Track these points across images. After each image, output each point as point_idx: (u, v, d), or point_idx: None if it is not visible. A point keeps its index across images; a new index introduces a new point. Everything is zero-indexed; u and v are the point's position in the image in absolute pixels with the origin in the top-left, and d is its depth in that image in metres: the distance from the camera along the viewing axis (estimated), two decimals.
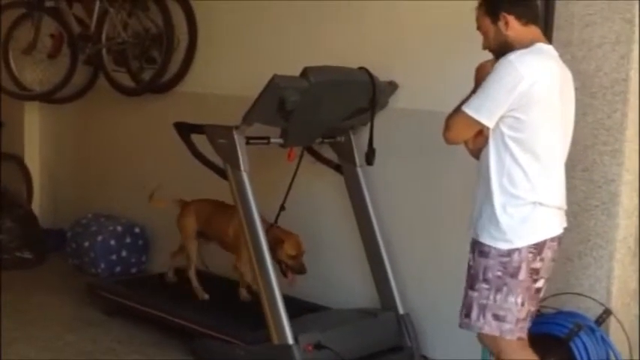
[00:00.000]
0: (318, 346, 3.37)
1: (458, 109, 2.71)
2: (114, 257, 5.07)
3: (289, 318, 3.37)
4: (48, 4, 5.19)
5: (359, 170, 3.86)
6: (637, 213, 3.37)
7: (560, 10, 3.36)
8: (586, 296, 3.31)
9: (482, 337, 2.80)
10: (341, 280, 4.15)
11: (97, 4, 5.00)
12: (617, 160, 3.27)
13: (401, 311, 3.74)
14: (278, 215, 3.88)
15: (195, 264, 4.27)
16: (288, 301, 3.48)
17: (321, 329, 3.47)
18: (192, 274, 4.25)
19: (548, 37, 3.22)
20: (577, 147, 3.25)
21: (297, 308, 3.71)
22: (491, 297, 2.68)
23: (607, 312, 3.26)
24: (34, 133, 5.95)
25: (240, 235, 3.81)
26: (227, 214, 4.05)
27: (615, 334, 3.28)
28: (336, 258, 4.18)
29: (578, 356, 3.15)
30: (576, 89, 2.89)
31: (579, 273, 3.36)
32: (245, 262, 3.92)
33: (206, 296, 4.20)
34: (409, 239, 3.86)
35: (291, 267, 3.79)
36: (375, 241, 3.80)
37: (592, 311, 3.29)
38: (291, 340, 3.32)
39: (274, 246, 3.65)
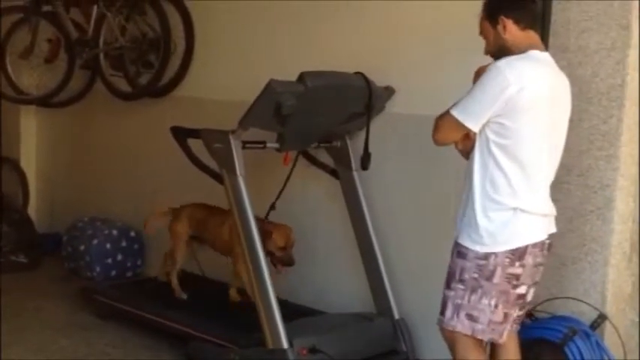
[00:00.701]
0: (313, 351, 3.36)
1: (447, 111, 2.72)
2: (109, 261, 5.06)
3: (284, 322, 3.36)
4: (45, 8, 5.21)
5: (355, 175, 3.86)
6: (632, 218, 3.37)
7: (556, 16, 3.37)
8: (581, 301, 3.31)
9: (441, 330, 2.82)
10: (336, 284, 4.14)
11: (95, 8, 5.01)
12: (612, 165, 3.27)
13: (396, 316, 3.74)
14: (268, 213, 3.88)
15: (179, 267, 4.33)
16: (283, 305, 3.47)
17: (316, 333, 3.47)
18: (174, 275, 4.30)
19: (545, 43, 3.23)
20: (572, 152, 3.26)
21: (292, 312, 3.71)
22: (466, 297, 2.71)
23: (602, 317, 3.26)
24: (31, 137, 5.96)
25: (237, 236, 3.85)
26: (220, 217, 4.07)
27: (610, 339, 3.28)
28: (331, 262, 4.18)
29: None
30: (572, 95, 2.89)
31: (574, 277, 3.36)
32: (242, 263, 3.94)
33: (184, 295, 4.25)
34: (405, 244, 3.86)
35: (280, 259, 3.79)
36: (371, 245, 3.80)
37: (587, 316, 3.29)
38: (285, 344, 3.32)
39: (263, 238, 3.65)
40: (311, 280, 4.16)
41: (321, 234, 4.22)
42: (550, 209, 2.82)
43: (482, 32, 2.82)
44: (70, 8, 5.19)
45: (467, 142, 2.76)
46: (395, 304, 3.75)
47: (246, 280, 3.97)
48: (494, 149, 2.66)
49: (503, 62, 2.64)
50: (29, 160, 5.96)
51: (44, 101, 5.50)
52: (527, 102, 2.61)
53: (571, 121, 2.89)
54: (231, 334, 3.69)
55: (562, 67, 2.90)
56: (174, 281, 4.29)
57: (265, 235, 3.69)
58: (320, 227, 4.22)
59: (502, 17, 2.72)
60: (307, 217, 4.25)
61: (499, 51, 2.74)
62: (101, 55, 5.08)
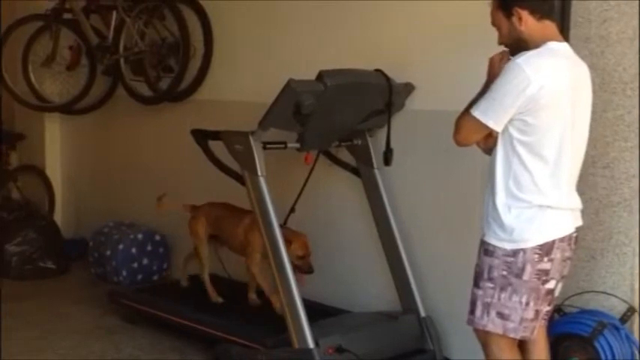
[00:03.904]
0: (340, 350, 3.36)
1: (466, 111, 2.68)
2: (135, 265, 5.10)
3: (310, 322, 3.36)
4: (66, 16, 5.26)
5: (376, 172, 3.85)
6: None
7: (576, 6, 3.33)
8: (609, 294, 3.27)
9: (475, 330, 2.79)
10: (361, 283, 4.13)
11: (114, 14, 5.04)
12: (638, 155, 3.23)
13: (422, 314, 3.72)
14: (287, 217, 3.88)
15: (207, 267, 4.32)
16: (309, 305, 3.47)
17: (342, 333, 3.47)
18: (205, 278, 4.29)
19: (566, 34, 3.20)
20: (597, 144, 3.23)
21: (318, 312, 3.71)
22: (496, 296, 2.67)
23: (631, 310, 3.22)
24: (55, 144, 6.01)
25: (251, 236, 3.90)
26: (237, 217, 4.10)
27: None
28: (356, 261, 4.16)
29: (602, 355, 3.11)
30: (596, 85, 2.85)
31: (602, 271, 3.32)
32: (255, 264, 3.98)
33: (220, 299, 4.24)
34: (429, 241, 3.83)
35: (299, 267, 3.75)
36: (395, 243, 3.79)
37: (616, 309, 3.25)
38: (312, 344, 3.32)
39: None
40: (336, 279, 4.15)
41: (344, 233, 4.20)
42: (576, 203, 2.77)
43: (494, 22, 2.76)
44: (89, 15, 5.22)
45: (489, 141, 2.73)
46: (421, 302, 3.73)
47: (260, 280, 3.99)
48: (518, 147, 2.62)
49: (522, 60, 2.58)
50: (54, 166, 6.01)
51: (67, 108, 5.55)
52: (549, 99, 2.57)
53: (595, 112, 2.84)
54: (258, 335, 3.69)
55: (584, 58, 2.86)
56: (208, 285, 4.26)
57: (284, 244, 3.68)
58: (343, 226, 4.21)
59: (517, 9, 2.65)
60: (330, 216, 4.24)
61: (515, 42, 2.69)
62: (122, 61, 5.11)
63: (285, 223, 3.86)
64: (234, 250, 4.25)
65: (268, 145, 3.56)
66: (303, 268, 3.79)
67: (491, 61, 2.76)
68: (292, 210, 3.90)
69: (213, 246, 4.41)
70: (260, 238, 3.75)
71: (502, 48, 2.78)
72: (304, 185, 3.91)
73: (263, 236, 3.52)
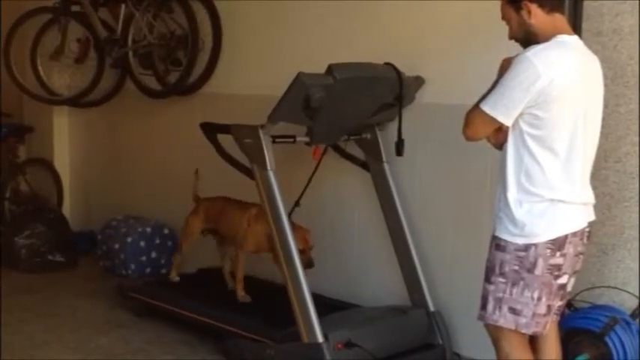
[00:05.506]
0: (349, 344, 3.35)
1: (476, 105, 2.66)
2: (144, 258, 5.11)
3: (319, 316, 3.35)
4: (74, 9, 5.25)
5: (386, 166, 3.84)
6: None
7: None
8: (620, 289, 3.26)
9: (485, 326, 2.76)
10: (370, 277, 4.12)
11: (123, 7, 5.03)
12: None
13: (431, 308, 3.71)
14: (292, 210, 3.85)
15: (182, 257, 4.52)
16: (318, 299, 3.46)
17: (351, 327, 3.46)
18: (176, 260, 4.56)
19: (578, 27, 3.17)
20: (610, 138, 3.21)
21: (327, 306, 3.70)
22: (508, 291, 2.65)
23: None
24: (63, 137, 6.02)
25: (253, 228, 3.98)
26: (241, 209, 4.11)
27: None
28: (365, 255, 4.15)
29: (614, 350, 3.10)
30: (608, 79, 2.83)
31: (613, 266, 3.30)
32: (245, 254, 4.09)
33: (177, 279, 4.51)
34: (438, 235, 3.82)
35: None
36: (404, 237, 3.78)
37: (627, 304, 3.23)
38: (321, 339, 3.31)
39: None
40: (345, 273, 4.15)
41: (353, 227, 4.19)
42: (589, 197, 2.75)
43: (504, 17, 2.75)
44: (98, 8, 5.22)
45: (499, 135, 2.71)
46: (430, 297, 3.72)
47: (240, 269, 4.12)
48: (529, 141, 2.60)
49: (531, 53, 2.56)
50: (62, 159, 6.02)
51: (76, 101, 5.55)
52: (559, 92, 2.55)
53: (607, 106, 2.82)
54: (266, 329, 3.69)
55: (596, 51, 2.84)
56: (175, 267, 4.52)
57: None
58: (352, 220, 4.20)
59: (526, 2, 2.64)
60: (339, 211, 4.23)
61: (525, 36, 2.67)
62: (130, 54, 5.10)
63: (289, 215, 3.85)
64: (235, 245, 4.24)
65: (277, 139, 3.55)
66: (302, 262, 3.76)
67: (504, 63, 2.74)
68: (297, 204, 3.88)
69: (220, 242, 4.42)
70: (261, 231, 3.76)
71: (513, 44, 2.75)
72: (310, 179, 3.90)
73: (269, 230, 3.51)
